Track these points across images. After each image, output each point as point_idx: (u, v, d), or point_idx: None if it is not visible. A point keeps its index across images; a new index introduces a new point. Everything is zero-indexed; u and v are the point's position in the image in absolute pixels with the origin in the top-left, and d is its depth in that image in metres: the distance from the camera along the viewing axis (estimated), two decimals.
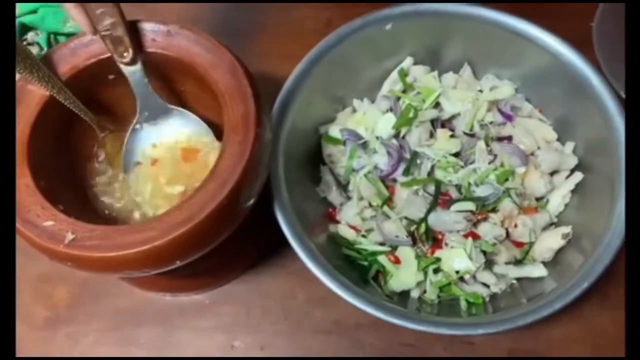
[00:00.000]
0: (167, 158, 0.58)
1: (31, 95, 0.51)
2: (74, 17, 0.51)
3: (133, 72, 0.53)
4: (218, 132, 0.55)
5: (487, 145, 0.62)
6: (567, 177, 0.62)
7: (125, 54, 0.52)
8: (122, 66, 0.53)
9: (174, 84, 0.57)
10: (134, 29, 0.53)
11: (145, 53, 0.53)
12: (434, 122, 0.64)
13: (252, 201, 0.50)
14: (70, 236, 0.46)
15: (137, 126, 0.57)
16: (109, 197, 0.58)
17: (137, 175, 0.58)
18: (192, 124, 0.57)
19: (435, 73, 0.67)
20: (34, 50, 0.73)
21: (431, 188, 0.59)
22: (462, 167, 0.61)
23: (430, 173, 0.61)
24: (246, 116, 0.49)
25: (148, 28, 0.53)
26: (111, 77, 0.55)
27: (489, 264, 0.59)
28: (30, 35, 0.74)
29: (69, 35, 0.71)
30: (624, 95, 0.64)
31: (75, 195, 0.55)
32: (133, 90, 0.54)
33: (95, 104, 0.56)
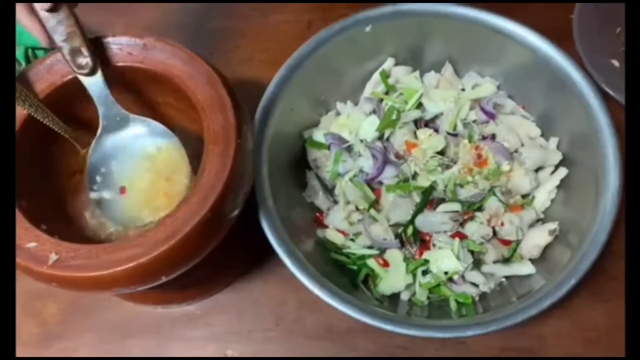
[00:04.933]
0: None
1: None
2: (29, 28, 0.50)
3: (94, 82, 0.51)
4: (200, 144, 0.54)
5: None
6: (552, 172, 0.62)
7: (84, 65, 0.50)
8: (81, 78, 0.51)
9: (153, 97, 0.56)
10: (106, 43, 0.52)
11: (122, 67, 0.52)
12: (417, 123, 0.64)
13: (236, 212, 0.50)
14: (54, 257, 0.45)
15: (101, 137, 0.54)
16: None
17: None
18: (158, 131, 0.54)
19: (417, 73, 0.67)
20: None
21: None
22: (448, 166, 0.61)
23: (415, 175, 0.61)
24: (226, 127, 0.49)
25: (124, 42, 0.52)
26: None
27: (477, 264, 0.59)
28: None
29: (47, 50, 0.70)
30: (605, 88, 0.64)
31: (59, 213, 0.55)
32: (95, 102, 0.52)
33: (75, 120, 0.56)
